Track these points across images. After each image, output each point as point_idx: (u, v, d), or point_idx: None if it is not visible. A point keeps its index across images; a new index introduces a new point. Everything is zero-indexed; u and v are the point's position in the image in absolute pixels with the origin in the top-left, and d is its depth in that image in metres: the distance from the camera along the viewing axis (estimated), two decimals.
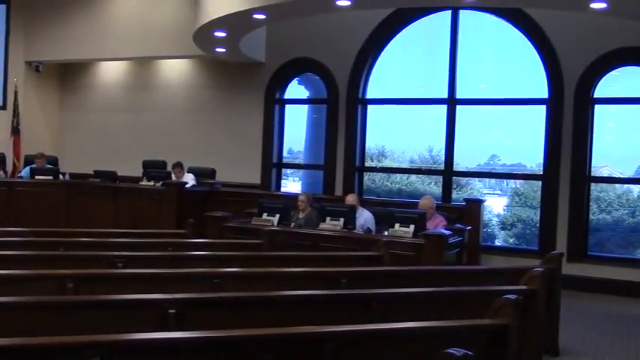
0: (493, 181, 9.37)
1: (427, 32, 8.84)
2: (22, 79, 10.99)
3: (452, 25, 8.50)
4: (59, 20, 10.67)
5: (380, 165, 9.52)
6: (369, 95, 9.14)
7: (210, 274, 3.76)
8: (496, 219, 8.90)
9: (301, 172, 10.47)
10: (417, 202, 6.93)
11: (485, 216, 8.27)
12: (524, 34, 8.06)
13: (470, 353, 2.07)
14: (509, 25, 8.16)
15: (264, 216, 6.69)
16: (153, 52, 10.04)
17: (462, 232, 6.63)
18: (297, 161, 10.40)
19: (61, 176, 9.46)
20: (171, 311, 2.82)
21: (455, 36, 8.49)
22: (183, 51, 9.60)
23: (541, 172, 8.03)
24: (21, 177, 9.56)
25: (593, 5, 6.04)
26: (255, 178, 9.64)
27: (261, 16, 7.24)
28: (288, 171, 10.51)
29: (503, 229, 8.84)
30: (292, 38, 9.39)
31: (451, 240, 5.97)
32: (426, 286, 3.73)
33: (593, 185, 7.82)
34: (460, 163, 8.68)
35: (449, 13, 8.50)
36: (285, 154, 9.96)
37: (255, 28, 8.24)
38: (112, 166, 9.40)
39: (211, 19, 7.47)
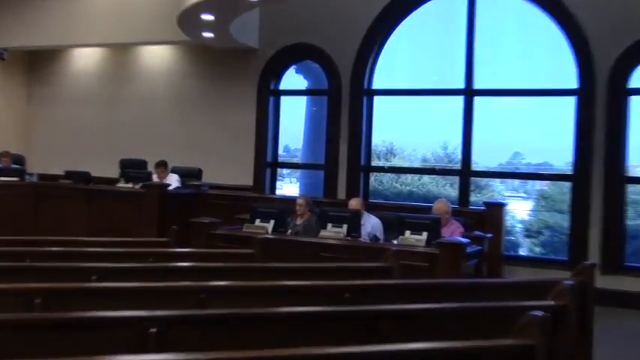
0: (516, 182, 9.36)
1: (441, 14, 8.84)
2: None
3: (469, 6, 8.50)
4: (26, 2, 10.66)
5: (388, 164, 9.51)
6: (376, 86, 9.14)
7: (196, 289, 3.75)
8: (520, 225, 8.89)
9: (299, 172, 10.46)
10: (431, 206, 6.93)
11: (508, 222, 8.26)
12: (550, 16, 8.06)
13: None
14: (534, 7, 8.15)
15: (257, 222, 6.68)
16: (132, 37, 10.04)
17: (482, 241, 6.62)
18: (294, 160, 10.39)
19: (28, 177, 9.45)
20: (152, 330, 2.81)
21: (472, 18, 8.48)
22: (166, 36, 9.59)
23: (571, 172, 8.02)
24: None
25: None
26: (247, 179, 9.64)
27: None
28: (285, 171, 10.50)
29: (528, 236, 8.83)
30: (289, 21, 9.39)
31: (469, 249, 5.95)
32: (440, 301, 3.72)
33: (629, 187, 7.80)
34: (479, 162, 8.68)
35: None
36: (280, 152, 9.96)
37: (247, 10, 8.24)
38: (85, 166, 9.39)
39: (198, 0, 7.46)
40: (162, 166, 8.91)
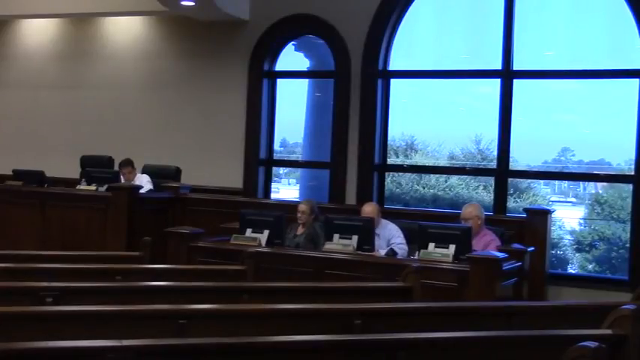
0: (565, 184, 9.35)
1: None
2: None
3: None
4: None
5: (408, 163, 9.51)
6: (393, 66, 9.14)
7: (173, 313, 3.77)
8: (569, 237, 8.88)
9: (299, 172, 10.45)
10: (459, 213, 6.93)
11: (554, 233, 8.25)
12: None
13: None
14: None
15: (248, 232, 6.71)
16: (95, 7, 10.05)
17: (522, 256, 6.62)
18: (293, 157, 10.38)
19: None
20: None
21: None
22: (137, 5, 9.61)
23: (632, 172, 8.01)
24: None
25: None
26: (235, 180, 9.65)
27: None
28: (282, 171, 10.50)
29: (578, 250, 8.82)
30: None
31: (506, 266, 5.96)
32: (471, 329, 3.73)
33: None
34: (519, 159, 8.67)
35: None
36: (277, 147, 9.97)
37: None
38: (38, 165, 9.42)
39: None
40: (128, 165, 8.91)
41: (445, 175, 9.50)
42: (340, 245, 6.38)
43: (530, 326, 4.09)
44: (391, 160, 9.31)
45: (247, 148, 9.69)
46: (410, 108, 9.44)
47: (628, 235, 8.06)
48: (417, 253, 6.20)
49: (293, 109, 10.05)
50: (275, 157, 9.92)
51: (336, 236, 6.45)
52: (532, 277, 6.97)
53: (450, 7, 9.14)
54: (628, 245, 8.04)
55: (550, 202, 9.11)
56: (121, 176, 8.81)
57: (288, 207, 7.69)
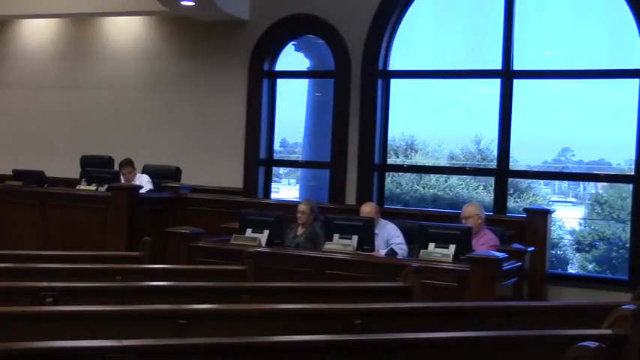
0: (565, 184, 9.35)
1: None
2: None
3: None
4: None
5: (408, 163, 9.50)
6: (393, 66, 9.14)
7: (173, 313, 3.77)
8: (569, 237, 8.88)
9: (299, 172, 10.45)
10: (459, 213, 6.94)
11: (554, 233, 8.25)
12: None
13: None
14: None
15: (249, 232, 6.71)
16: (95, 7, 10.05)
17: (522, 256, 6.63)
18: (293, 157, 10.38)
19: None
20: None
21: None
22: (138, 5, 9.60)
23: (632, 172, 8.01)
24: None
25: None
26: (235, 180, 9.65)
27: None
28: (282, 171, 10.50)
29: (578, 250, 8.82)
30: None
31: (506, 266, 5.96)
32: (471, 329, 3.73)
33: None
34: (519, 159, 8.67)
35: None
36: (277, 147, 9.97)
37: None
38: (38, 165, 9.41)
39: None
40: (128, 165, 8.91)
41: (445, 175, 9.50)
42: (340, 245, 6.38)
43: (530, 326, 4.09)
44: (391, 160, 9.31)
45: (247, 148, 9.69)
46: (410, 108, 9.44)
47: (628, 235, 8.06)
48: (416, 252, 6.20)
49: (293, 109, 10.05)
50: (275, 157, 9.93)
51: (336, 236, 6.45)
52: (532, 277, 6.97)
53: (450, 7, 9.14)
54: (628, 245, 8.04)
55: (550, 202, 9.11)
56: (121, 176, 8.81)
57: (288, 207, 7.69)
